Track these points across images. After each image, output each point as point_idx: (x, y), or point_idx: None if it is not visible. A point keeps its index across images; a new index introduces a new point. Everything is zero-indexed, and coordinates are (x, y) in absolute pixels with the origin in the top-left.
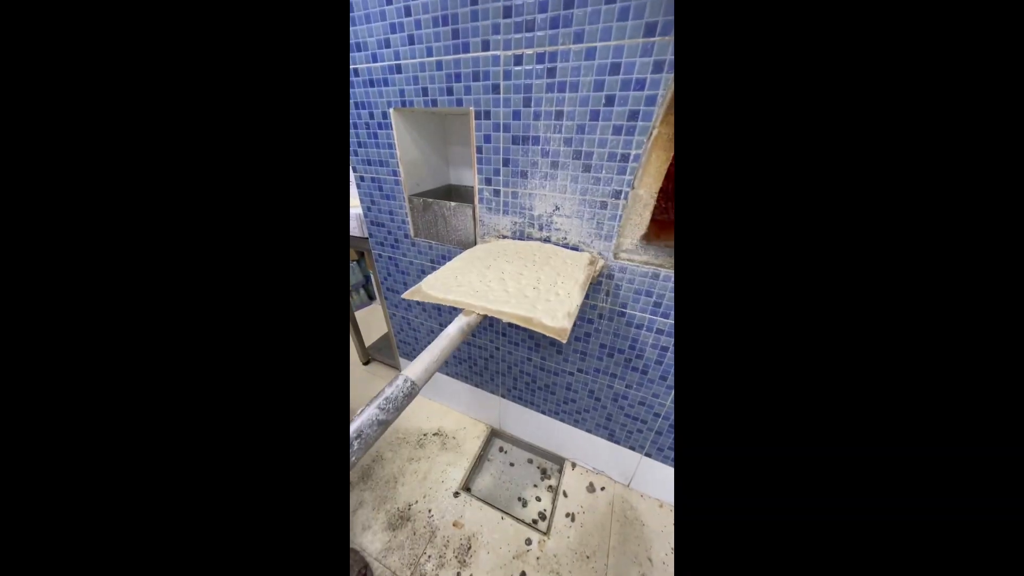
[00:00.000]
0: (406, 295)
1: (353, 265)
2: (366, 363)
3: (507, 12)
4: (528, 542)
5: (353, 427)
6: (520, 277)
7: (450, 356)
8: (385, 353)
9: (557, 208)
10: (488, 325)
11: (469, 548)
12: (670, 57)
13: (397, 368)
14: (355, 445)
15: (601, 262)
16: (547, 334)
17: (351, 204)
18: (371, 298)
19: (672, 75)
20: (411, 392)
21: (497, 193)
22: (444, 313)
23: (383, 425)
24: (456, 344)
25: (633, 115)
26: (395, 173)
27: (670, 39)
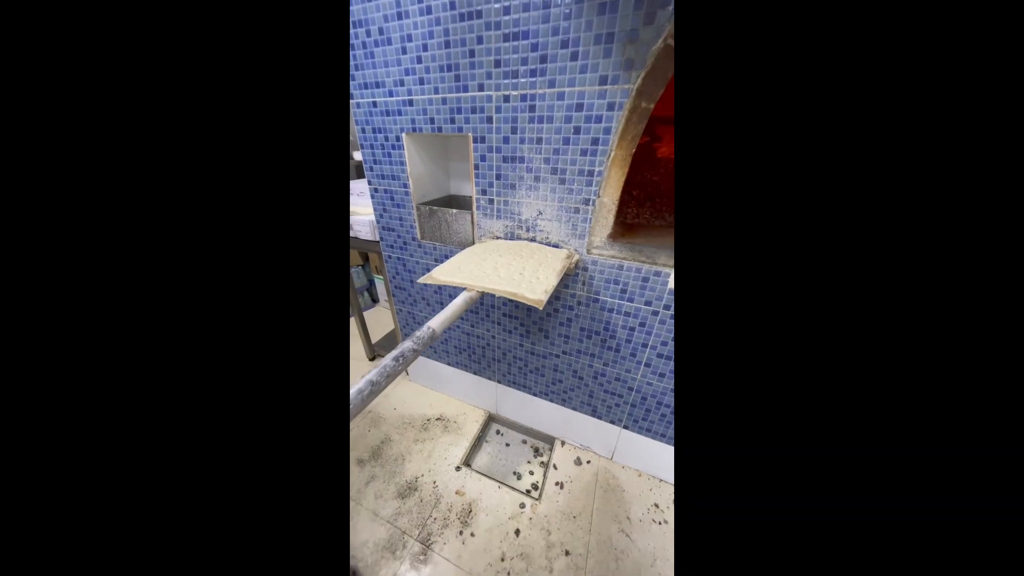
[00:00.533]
0: (421, 280)
1: (359, 270)
2: (372, 359)
3: (497, 63)
4: (522, 506)
5: (397, 351)
6: (510, 266)
7: (457, 319)
8: (390, 349)
9: (540, 213)
10: (485, 315)
11: (470, 511)
12: (620, 99)
13: None
14: (400, 361)
15: (576, 257)
16: (528, 303)
17: (366, 212)
18: (374, 301)
19: (622, 112)
20: (432, 336)
21: (491, 202)
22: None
23: (415, 353)
24: (461, 311)
25: (595, 141)
26: (405, 186)
27: (619, 87)
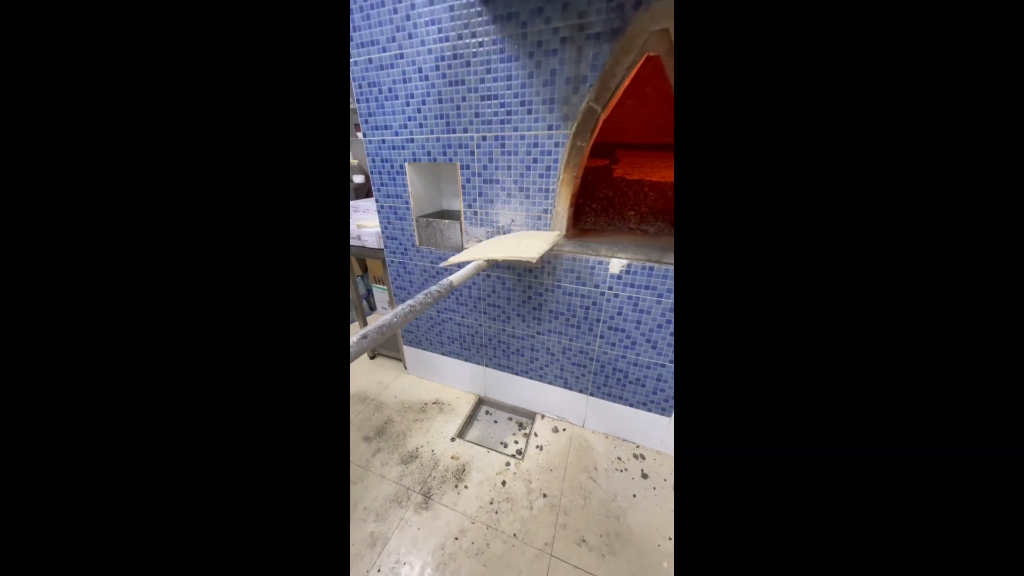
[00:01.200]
0: (443, 264)
1: (358, 280)
2: (373, 357)
3: (477, 114)
4: (508, 464)
5: (425, 291)
6: (509, 245)
7: (469, 279)
8: (389, 347)
9: (513, 221)
10: (473, 307)
11: (464, 471)
12: (562, 140)
13: (400, 359)
14: (428, 296)
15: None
16: (525, 262)
17: (372, 225)
18: (372, 309)
19: (564, 149)
20: (450, 286)
21: (475, 213)
22: (440, 304)
23: (437, 295)
24: (472, 274)
25: (548, 168)
26: (407, 203)
27: (560, 132)
